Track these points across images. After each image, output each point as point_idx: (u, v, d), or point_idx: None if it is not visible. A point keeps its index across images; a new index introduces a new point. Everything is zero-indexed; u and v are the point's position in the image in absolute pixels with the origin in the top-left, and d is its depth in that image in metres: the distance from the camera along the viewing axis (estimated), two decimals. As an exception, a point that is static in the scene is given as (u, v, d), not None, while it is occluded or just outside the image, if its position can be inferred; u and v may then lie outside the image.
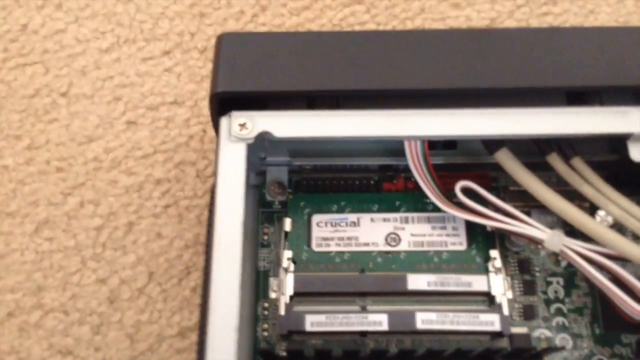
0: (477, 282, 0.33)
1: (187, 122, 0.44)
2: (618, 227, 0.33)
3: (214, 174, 0.32)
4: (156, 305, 0.39)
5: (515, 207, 0.33)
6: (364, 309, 0.32)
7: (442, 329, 0.31)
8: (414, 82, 0.33)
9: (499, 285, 0.32)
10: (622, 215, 0.32)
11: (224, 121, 0.32)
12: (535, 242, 0.33)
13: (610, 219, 0.33)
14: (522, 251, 0.35)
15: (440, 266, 0.34)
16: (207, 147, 0.43)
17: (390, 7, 0.48)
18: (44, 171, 0.43)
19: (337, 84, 0.32)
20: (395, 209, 0.35)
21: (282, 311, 0.32)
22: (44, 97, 0.45)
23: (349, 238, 0.35)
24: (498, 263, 0.33)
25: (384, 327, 0.31)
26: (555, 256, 0.35)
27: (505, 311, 0.32)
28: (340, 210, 0.35)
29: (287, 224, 0.35)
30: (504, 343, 0.32)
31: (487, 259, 0.33)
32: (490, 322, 0.32)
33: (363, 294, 0.33)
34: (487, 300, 0.33)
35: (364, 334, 0.32)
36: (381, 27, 0.47)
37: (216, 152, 0.31)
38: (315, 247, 0.34)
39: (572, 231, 0.33)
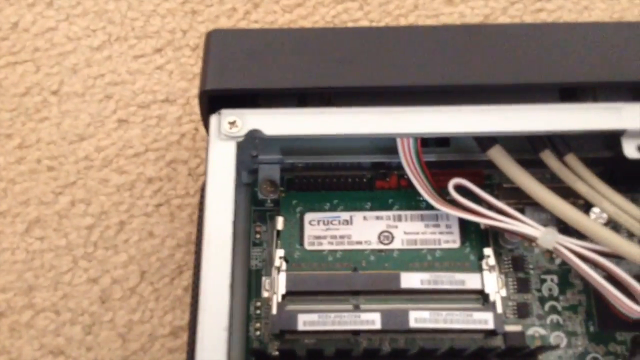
0: (471, 280, 0.32)
1: (178, 120, 0.44)
2: (612, 224, 0.33)
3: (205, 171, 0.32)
4: (148, 304, 0.39)
5: (509, 204, 0.33)
6: (356, 308, 0.32)
7: (436, 327, 0.31)
8: (406, 79, 0.32)
9: (493, 283, 0.32)
10: (616, 212, 0.32)
11: (213, 119, 0.31)
12: (529, 239, 0.32)
13: (604, 216, 0.33)
14: (516, 249, 0.35)
15: (433, 264, 0.34)
16: (199, 145, 0.43)
17: (384, 4, 0.47)
18: (34, 170, 0.42)
19: (328, 81, 0.32)
20: (388, 207, 0.35)
21: (275, 310, 0.32)
22: (34, 95, 0.44)
23: (342, 236, 0.34)
24: (492, 261, 0.33)
25: (377, 325, 0.31)
26: (550, 254, 0.34)
27: (499, 309, 0.32)
28: (333, 209, 0.35)
29: (280, 222, 0.34)
30: (497, 341, 0.32)
31: (481, 256, 0.33)
32: (484, 320, 0.31)
33: (356, 293, 0.33)
34: (481, 298, 0.32)
35: (356, 332, 0.32)
36: (374, 24, 0.47)
37: (206, 150, 0.31)
38: (307, 246, 0.34)
39: (566, 228, 0.33)
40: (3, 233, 0.41)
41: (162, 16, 0.47)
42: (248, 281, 0.34)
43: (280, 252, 0.33)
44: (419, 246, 0.34)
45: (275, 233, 0.34)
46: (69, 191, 0.42)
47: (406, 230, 0.34)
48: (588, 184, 0.32)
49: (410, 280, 0.32)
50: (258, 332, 0.33)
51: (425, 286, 0.32)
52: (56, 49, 0.46)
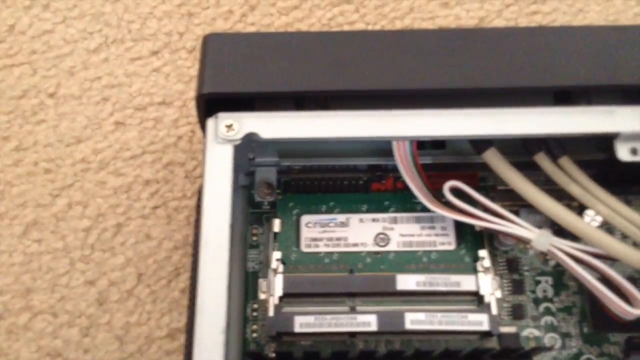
0: (466, 282, 0.33)
1: (175, 122, 0.44)
2: (606, 226, 0.34)
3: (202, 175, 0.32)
4: (145, 306, 0.39)
5: (504, 206, 0.33)
6: (353, 310, 0.32)
7: (431, 329, 0.31)
8: (401, 83, 0.33)
9: (488, 284, 0.32)
10: (610, 214, 0.32)
11: (210, 122, 0.32)
12: (524, 241, 0.33)
13: (598, 219, 0.33)
14: (510, 251, 0.35)
15: (429, 266, 0.34)
16: (195, 147, 0.43)
17: (380, 7, 0.48)
18: (32, 172, 0.42)
19: (324, 84, 0.32)
20: (384, 209, 0.35)
21: (271, 312, 0.32)
22: (31, 98, 0.44)
23: (338, 238, 0.35)
24: (487, 263, 0.33)
25: (373, 327, 0.31)
26: (544, 255, 0.35)
27: (494, 311, 0.32)
28: (329, 211, 0.35)
29: (276, 224, 0.35)
30: (492, 343, 0.32)
31: (476, 258, 0.33)
32: (479, 321, 0.32)
33: (352, 295, 0.33)
34: (476, 299, 0.33)
35: (353, 334, 0.32)
36: (370, 27, 0.47)
37: (203, 153, 0.31)
38: (304, 248, 0.34)
39: (561, 230, 0.33)
40: (1, 235, 0.41)
41: (159, 19, 0.47)
42: (245, 283, 0.34)
43: (277, 254, 0.33)
44: (414, 248, 0.34)
45: (272, 235, 0.34)
46: (66, 194, 0.42)
47: (402, 233, 0.35)
48: (582, 186, 0.33)
49: (406, 282, 0.32)
50: (255, 334, 0.33)
51: (421, 288, 0.32)
52: (53, 51, 0.46)
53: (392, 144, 0.33)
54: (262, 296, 0.33)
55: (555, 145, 0.33)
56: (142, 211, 0.41)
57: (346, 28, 0.47)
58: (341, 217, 0.35)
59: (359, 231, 0.35)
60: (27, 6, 0.47)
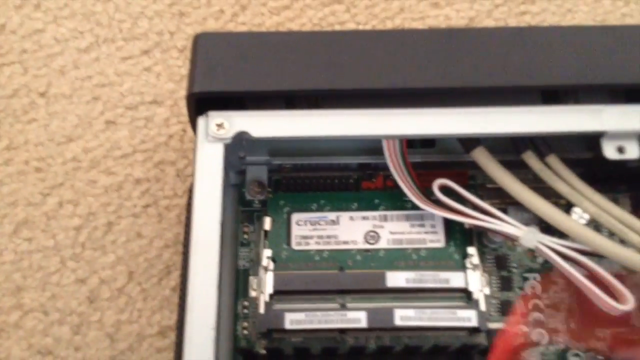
0: (455, 279, 0.33)
1: (166, 121, 0.44)
2: (593, 224, 0.34)
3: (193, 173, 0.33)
4: (136, 304, 0.39)
5: (492, 204, 0.33)
6: (343, 307, 0.32)
7: (420, 325, 0.32)
8: (391, 82, 0.33)
9: (477, 281, 0.33)
10: (597, 212, 0.32)
11: (201, 121, 0.32)
12: (511, 238, 0.33)
13: (586, 216, 0.34)
14: (499, 248, 0.35)
15: (418, 263, 0.34)
16: (186, 146, 0.43)
17: (370, 7, 0.48)
18: (22, 171, 0.42)
19: (315, 83, 0.33)
20: (374, 207, 0.35)
21: (262, 309, 0.32)
22: (22, 97, 0.44)
23: (329, 236, 0.35)
24: (475, 260, 0.33)
25: (363, 324, 0.32)
26: (532, 253, 0.35)
27: (483, 307, 0.32)
28: (320, 209, 0.35)
29: (267, 223, 0.35)
30: (481, 338, 0.32)
31: (465, 255, 0.34)
32: (467, 317, 0.32)
33: (342, 292, 0.33)
34: (465, 296, 0.33)
35: (343, 331, 0.32)
36: (361, 27, 0.47)
37: (194, 152, 0.31)
38: (294, 246, 0.34)
39: (548, 228, 0.33)
40: (-9, 234, 0.41)
41: (150, 18, 0.47)
42: (236, 281, 0.34)
43: (267, 252, 0.34)
44: (404, 246, 0.34)
45: (262, 233, 0.34)
46: (56, 192, 0.42)
47: (392, 230, 0.35)
48: (569, 184, 0.33)
49: (396, 279, 0.33)
50: (245, 331, 0.33)
51: (411, 285, 0.33)
52: (44, 50, 0.46)
53: (382, 142, 0.34)
54: (252, 293, 0.33)
55: (543, 144, 0.34)
56: (133, 210, 0.41)
57: (337, 28, 0.47)
58: (331, 215, 0.35)
59: (349, 229, 0.35)
60: (17, 5, 0.47)
